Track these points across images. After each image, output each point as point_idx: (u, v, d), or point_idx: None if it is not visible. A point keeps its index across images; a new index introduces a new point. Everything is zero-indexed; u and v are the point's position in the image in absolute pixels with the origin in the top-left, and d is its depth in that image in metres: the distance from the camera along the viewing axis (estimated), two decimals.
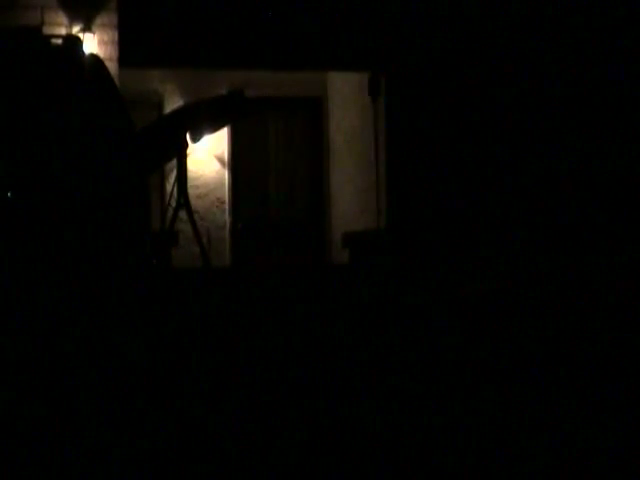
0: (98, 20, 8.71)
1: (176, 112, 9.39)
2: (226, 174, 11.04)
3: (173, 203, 8.24)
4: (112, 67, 8.14)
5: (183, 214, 8.18)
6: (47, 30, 8.40)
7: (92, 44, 8.48)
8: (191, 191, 9.27)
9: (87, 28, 8.63)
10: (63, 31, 8.43)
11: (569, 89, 9.08)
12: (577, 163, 9.00)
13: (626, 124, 8.95)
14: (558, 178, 9.00)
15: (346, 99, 10.72)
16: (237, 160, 11.13)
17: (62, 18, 8.61)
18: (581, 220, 8.77)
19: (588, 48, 9.05)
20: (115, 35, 8.72)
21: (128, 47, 8.77)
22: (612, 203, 8.87)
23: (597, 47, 9.05)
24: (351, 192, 10.57)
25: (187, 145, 8.39)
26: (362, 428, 4.66)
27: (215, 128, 9.14)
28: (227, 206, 11.04)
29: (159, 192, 10.49)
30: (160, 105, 10.80)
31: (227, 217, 11.04)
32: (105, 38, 8.69)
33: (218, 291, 7.24)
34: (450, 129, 9.18)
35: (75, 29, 8.58)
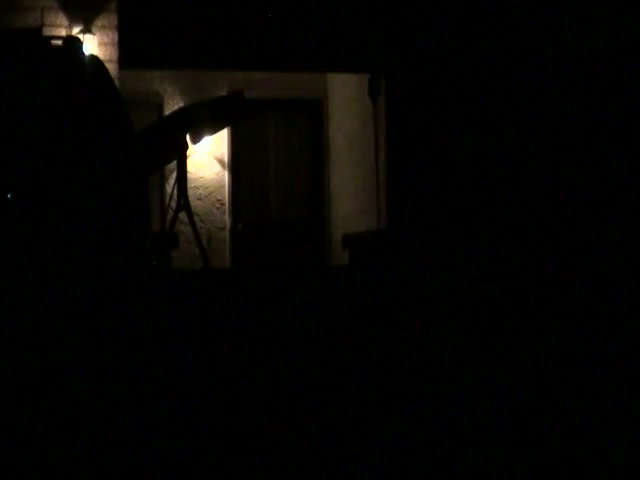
0: (98, 21, 8.71)
1: (176, 113, 9.41)
2: (226, 175, 11.03)
3: (173, 204, 8.25)
4: (112, 68, 8.14)
5: (183, 215, 8.18)
6: (47, 31, 8.41)
7: (92, 45, 8.49)
8: (191, 192, 9.29)
9: (87, 29, 8.63)
10: (63, 32, 8.43)
11: (570, 88, 9.07)
12: (579, 164, 8.99)
13: (629, 127, 8.94)
14: (560, 179, 9.00)
15: (346, 100, 10.72)
16: (237, 161, 11.13)
17: (62, 20, 8.61)
18: (583, 221, 8.77)
19: (591, 49, 9.04)
20: (115, 36, 8.72)
21: (128, 48, 8.77)
22: (613, 204, 8.86)
23: (599, 50, 9.04)
24: (351, 193, 10.56)
25: (187, 146, 8.39)
26: (361, 429, 4.66)
27: (215, 129, 9.14)
28: (227, 207, 11.04)
29: (159, 193, 10.49)
30: (160, 106, 10.80)
31: (227, 218, 11.04)
32: (105, 39, 8.69)
33: (218, 292, 7.23)
34: (450, 130, 9.17)
35: (75, 30, 8.57)
